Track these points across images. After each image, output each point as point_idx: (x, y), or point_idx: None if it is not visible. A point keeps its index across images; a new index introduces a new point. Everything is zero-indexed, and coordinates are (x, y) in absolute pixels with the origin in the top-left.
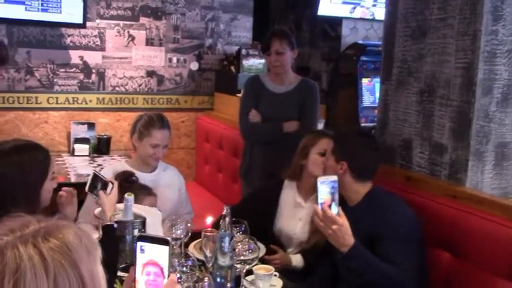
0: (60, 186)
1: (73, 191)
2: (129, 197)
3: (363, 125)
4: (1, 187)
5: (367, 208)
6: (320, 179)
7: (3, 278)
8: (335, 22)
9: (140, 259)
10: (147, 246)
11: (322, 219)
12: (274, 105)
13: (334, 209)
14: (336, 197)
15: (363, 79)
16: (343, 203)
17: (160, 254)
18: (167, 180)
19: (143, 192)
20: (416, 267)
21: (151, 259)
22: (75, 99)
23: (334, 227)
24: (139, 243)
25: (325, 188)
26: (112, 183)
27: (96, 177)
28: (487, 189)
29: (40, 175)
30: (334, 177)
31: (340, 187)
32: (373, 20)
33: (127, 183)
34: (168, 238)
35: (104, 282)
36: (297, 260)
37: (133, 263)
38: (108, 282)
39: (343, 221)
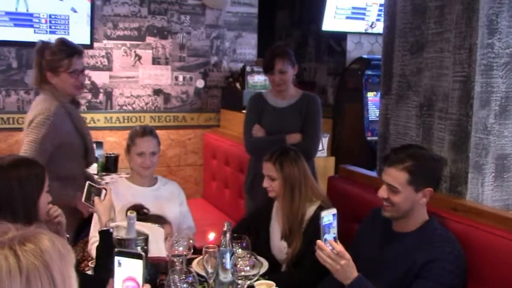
0: None
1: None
2: (132, 214)
3: (368, 138)
4: (1, 201)
5: (421, 239)
6: (323, 213)
7: None
8: (340, 37)
9: (118, 272)
10: (124, 260)
11: (329, 255)
12: (277, 119)
13: (336, 243)
14: (336, 230)
15: (369, 93)
16: (389, 227)
17: (135, 267)
18: (167, 194)
19: (159, 222)
20: None
21: (129, 275)
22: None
23: (343, 262)
24: (116, 258)
25: (328, 222)
26: (105, 190)
27: (90, 187)
28: (488, 201)
29: (37, 188)
30: (334, 210)
31: (408, 213)
32: (378, 34)
33: (140, 215)
34: (142, 253)
35: (76, 285)
36: None
37: (112, 276)
38: (103, 283)
39: (348, 254)
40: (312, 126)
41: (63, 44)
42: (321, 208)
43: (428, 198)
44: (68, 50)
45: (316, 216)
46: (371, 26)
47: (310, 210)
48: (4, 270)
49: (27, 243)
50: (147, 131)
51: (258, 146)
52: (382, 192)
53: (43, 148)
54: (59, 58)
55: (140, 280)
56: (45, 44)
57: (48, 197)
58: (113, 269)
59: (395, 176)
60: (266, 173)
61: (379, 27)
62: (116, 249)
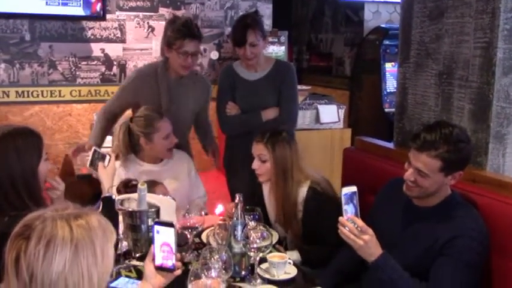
0: (81, 177)
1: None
2: (142, 186)
3: (386, 110)
4: (0, 171)
5: (444, 214)
6: (344, 190)
7: (40, 237)
8: (357, 6)
9: (157, 239)
10: (160, 228)
11: (352, 230)
12: (250, 93)
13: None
14: (357, 206)
15: (386, 64)
16: (409, 201)
17: (169, 234)
18: (177, 166)
19: (150, 186)
20: None
21: (164, 241)
22: (98, 91)
23: (366, 237)
24: (155, 227)
25: (349, 199)
26: (109, 156)
27: (95, 152)
28: (510, 172)
29: (35, 157)
30: (355, 188)
31: (433, 193)
32: (397, 2)
33: (129, 188)
34: (173, 222)
35: (113, 262)
36: (292, 255)
37: (152, 242)
38: None
39: (371, 230)
40: (288, 100)
41: (184, 24)
42: (311, 189)
43: (458, 180)
44: (184, 32)
45: (310, 197)
46: None
47: (302, 192)
48: (59, 238)
49: (79, 219)
50: (161, 113)
51: (233, 125)
52: (409, 176)
53: (120, 95)
54: (175, 36)
55: (173, 245)
56: (173, 19)
57: (47, 165)
58: (153, 236)
59: (427, 162)
60: (256, 153)
61: None
62: (155, 220)
